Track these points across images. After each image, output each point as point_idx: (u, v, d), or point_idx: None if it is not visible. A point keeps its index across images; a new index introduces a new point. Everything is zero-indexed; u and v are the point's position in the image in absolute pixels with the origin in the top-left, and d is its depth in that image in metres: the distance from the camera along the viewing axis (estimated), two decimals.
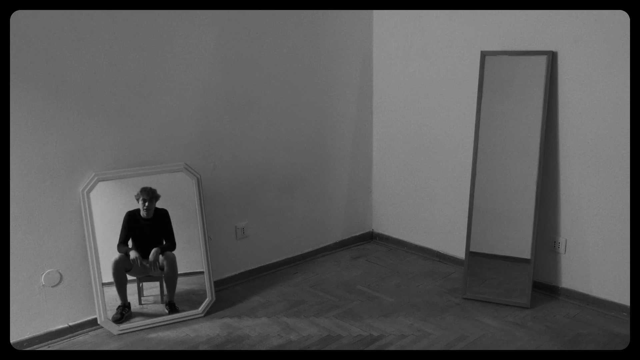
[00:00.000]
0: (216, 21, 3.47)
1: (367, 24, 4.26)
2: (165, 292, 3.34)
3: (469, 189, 3.74)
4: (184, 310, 3.35)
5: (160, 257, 3.29)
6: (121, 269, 3.21)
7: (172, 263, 3.32)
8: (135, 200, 3.24)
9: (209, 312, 3.42)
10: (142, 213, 3.25)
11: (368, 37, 4.29)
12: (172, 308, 3.33)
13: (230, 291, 3.72)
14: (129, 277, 3.26)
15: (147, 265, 3.26)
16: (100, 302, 3.17)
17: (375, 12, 4.26)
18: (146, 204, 3.24)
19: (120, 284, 3.23)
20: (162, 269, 3.30)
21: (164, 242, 3.32)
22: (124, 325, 3.21)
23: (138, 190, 3.24)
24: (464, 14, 3.75)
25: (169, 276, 3.32)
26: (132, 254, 3.23)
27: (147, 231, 3.27)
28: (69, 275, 3.14)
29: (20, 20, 2.78)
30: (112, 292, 3.22)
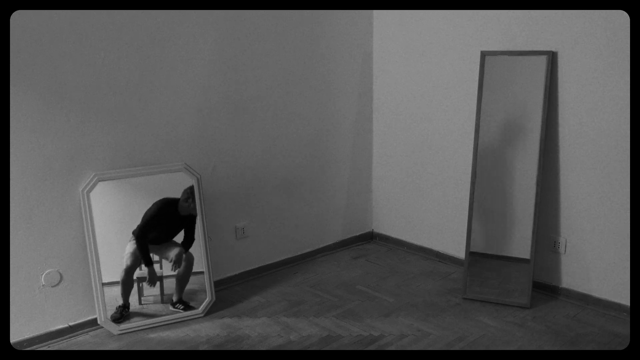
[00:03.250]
0: (216, 21, 3.47)
1: (367, 24, 4.26)
2: (174, 290, 3.35)
3: (469, 189, 3.74)
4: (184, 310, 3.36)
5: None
6: (132, 277, 3.24)
7: (190, 264, 3.36)
8: (182, 196, 3.34)
9: (209, 312, 3.42)
10: (182, 209, 3.33)
11: (368, 37, 4.29)
12: (186, 305, 3.36)
13: (230, 291, 3.72)
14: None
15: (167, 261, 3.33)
16: (100, 302, 3.17)
17: (375, 12, 4.25)
18: (192, 203, 3.35)
19: (127, 289, 3.25)
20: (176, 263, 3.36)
21: (183, 241, 3.38)
22: (124, 325, 3.21)
23: (187, 187, 3.34)
24: (464, 14, 3.75)
25: (182, 275, 3.35)
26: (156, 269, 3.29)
27: (175, 224, 3.35)
28: (69, 275, 3.14)
29: (20, 20, 2.78)
30: (112, 292, 3.21)
